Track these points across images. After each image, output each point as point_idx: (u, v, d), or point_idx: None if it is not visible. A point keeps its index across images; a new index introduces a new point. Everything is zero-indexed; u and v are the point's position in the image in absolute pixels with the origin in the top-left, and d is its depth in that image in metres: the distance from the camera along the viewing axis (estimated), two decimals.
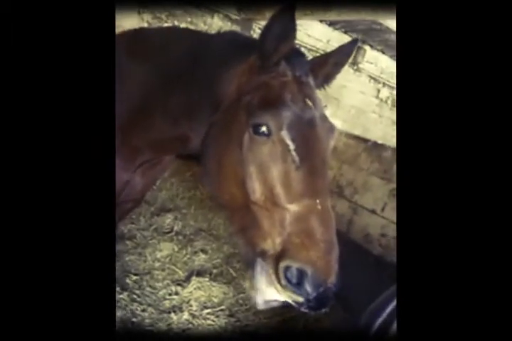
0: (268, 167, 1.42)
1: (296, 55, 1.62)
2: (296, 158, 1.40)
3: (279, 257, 1.34)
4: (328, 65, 1.78)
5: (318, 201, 1.37)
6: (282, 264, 1.32)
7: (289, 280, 1.31)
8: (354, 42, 1.85)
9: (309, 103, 1.53)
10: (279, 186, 1.39)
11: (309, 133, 1.48)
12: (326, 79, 1.82)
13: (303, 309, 1.34)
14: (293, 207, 1.36)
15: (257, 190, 1.42)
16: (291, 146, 1.41)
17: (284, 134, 1.42)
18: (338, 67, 1.82)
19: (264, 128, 1.43)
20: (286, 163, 1.41)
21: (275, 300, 1.45)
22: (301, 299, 1.31)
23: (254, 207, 1.42)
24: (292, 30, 1.48)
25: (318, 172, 1.43)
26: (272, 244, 1.37)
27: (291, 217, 1.36)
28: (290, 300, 1.36)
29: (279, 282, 1.34)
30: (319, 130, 1.51)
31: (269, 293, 1.44)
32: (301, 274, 1.30)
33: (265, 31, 1.48)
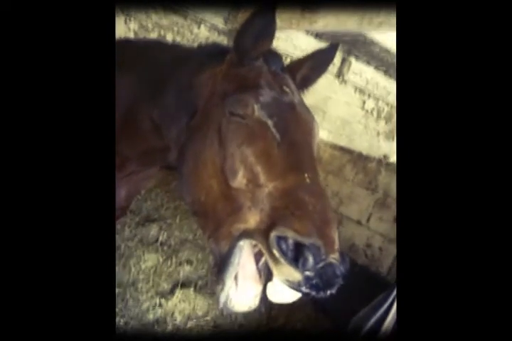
0: (249, 146, 1.38)
1: (271, 54, 1.64)
2: (277, 135, 1.37)
3: (268, 229, 1.21)
4: (304, 67, 1.78)
5: (306, 175, 1.31)
6: (273, 233, 1.19)
7: (283, 253, 1.16)
8: (332, 47, 1.86)
9: (286, 89, 1.54)
10: (262, 164, 1.34)
11: (288, 112, 1.46)
12: (305, 82, 1.81)
13: (304, 289, 1.17)
14: (278, 184, 1.29)
15: (238, 171, 1.36)
16: (270, 123, 1.39)
17: (261, 112, 1.41)
18: (316, 71, 1.83)
19: (240, 110, 1.41)
20: (266, 140, 1.37)
21: (241, 303, 1.33)
22: (299, 276, 1.15)
23: (235, 193, 1.34)
24: (271, 27, 1.49)
25: (301, 148, 1.39)
26: (256, 221, 1.27)
27: (277, 193, 1.27)
28: (286, 281, 1.19)
29: (271, 254, 1.18)
30: (299, 112, 1.51)
31: (240, 289, 1.33)
32: (298, 245, 1.16)
33: (245, 27, 1.49)
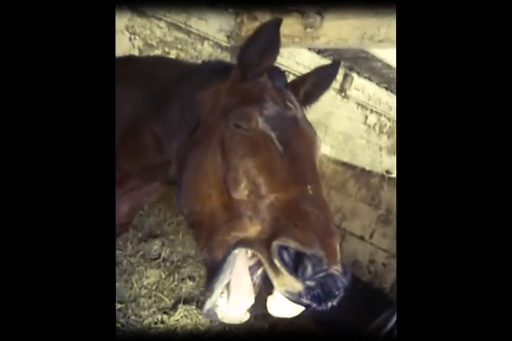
0: (252, 158, 1.38)
1: (275, 70, 1.68)
2: (280, 148, 1.39)
3: (270, 239, 1.21)
4: (307, 84, 1.80)
5: (309, 187, 1.31)
6: (276, 243, 1.18)
7: (285, 263, 1.15)
8: (335, 64, 1.89)
9: (290, 105, 1.56)
10: (264, 176, 1.34)
11: (291, 127, 1.49)
12: (308, 99, 1.83)
13: (305, 300, 1.15)
14: (280, 195, 1.29)
15: (240, 182, 1.36)
16: (273, 135, 1.41)
17: (265, 125, 1.43)
18: (319, 87, 1.85)
19: (244, 123, 1.43)
20: (269, 152, 1.38)
21: (232, 315, 1.31)
22: (299, 286, 1.14)
23: (236, 204, 1.34)
24: (276, 43, 1.51)
25: (303, 160, 1.40)
26: (257, 231, 1.26)
27: (280, 204, 1.27)
28: (287, 292, 1.17)
29: (272, 264, 1.18)
30: (302, 127, 1.53)
31: (232, 300, 1.31)
32: (300, 255, 1.15)
33: (250, 42, 1.51)
